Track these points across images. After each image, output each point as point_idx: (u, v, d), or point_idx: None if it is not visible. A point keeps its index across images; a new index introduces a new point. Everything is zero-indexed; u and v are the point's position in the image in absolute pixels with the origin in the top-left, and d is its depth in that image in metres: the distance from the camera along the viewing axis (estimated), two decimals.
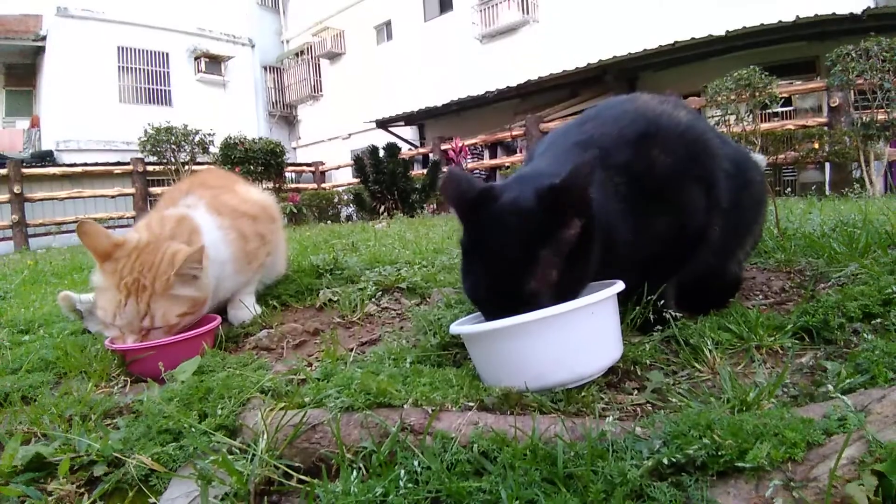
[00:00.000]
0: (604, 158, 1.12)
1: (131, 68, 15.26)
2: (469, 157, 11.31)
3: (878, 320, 0.98)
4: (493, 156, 12.08)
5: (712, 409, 0.73)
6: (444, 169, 10.74)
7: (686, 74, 9.36)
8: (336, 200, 12.74)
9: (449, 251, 2.95)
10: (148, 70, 15.58)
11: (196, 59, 16.41)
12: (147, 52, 15.47)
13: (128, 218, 10.38)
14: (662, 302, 1.18)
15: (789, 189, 6.81)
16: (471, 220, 0.99)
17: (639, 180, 1.10)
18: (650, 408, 0.84)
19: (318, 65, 17.69)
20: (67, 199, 10.16)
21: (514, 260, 0.92)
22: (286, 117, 18.73)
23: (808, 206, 3.83)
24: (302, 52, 17.99)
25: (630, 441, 0.68)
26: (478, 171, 11.74)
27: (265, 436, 0.78)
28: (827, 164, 6.98)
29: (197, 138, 9.54)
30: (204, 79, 16.46)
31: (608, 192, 1.08)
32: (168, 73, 15.89)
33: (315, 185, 13.58)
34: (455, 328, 0.97)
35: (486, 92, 11.37)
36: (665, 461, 0.63)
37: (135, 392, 1.27)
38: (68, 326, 1.84)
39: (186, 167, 9.92)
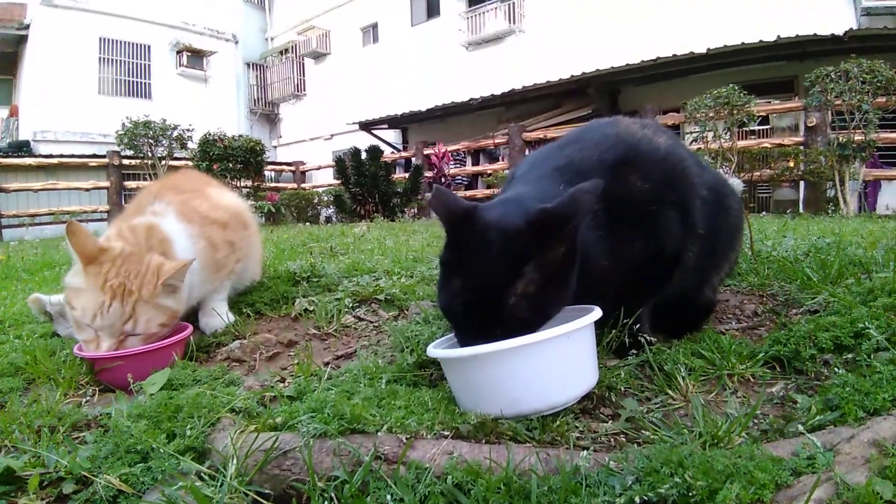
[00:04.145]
0: (582, 182, 1.13)
1: (112, 60, 15.05)
2: (452, 162, 11.34)
3: (850, 355, 0.99)
4: (476, 162, 12.11)
5: (684, 445, 0.74)
6: (427, 173, 10.76)
7: (666, 90, 9.51)
8: (316, 201, 12.66)
9: (429, 261, 2.94)
10: (129, 62, 15.36)
11: (178, 52, 16.17)
12: (129, 44, 15.26)
13: (101, 211, 10.16)
14: (638, 326, 1.19)
15: (764, 212, 6.95)
16: (457, 233, 0.99)
17: (616, 205, 1.11)
18: (624, 438, 0.84)
19: (303, 64, 17.57)
20: (42, 190, 9.92)
21: (497, 274, 0.92)
22: (268, 115, 18.55)
23: (782, 226, 3.91)
24: (286, 51, 17.86)
25: (603, 475, 0.68)
26: (460, 177, 11.77)
27: (235, 460, 0.77)
28: (801, 183, 7.14)
29: (175, 133, 9.37)
30: (185, 73, 16.24)
31: (586, 218, 1.08)
32: (149, 65, 15.67)
33: (295, 185, 13.47)
34: (432, 351, 0.97)
35: (471, 99, 11.41)
36: (637, 499, 0.63)
37: (103, 403, 1.24)
38: (38, 329, 1.79)
39: (163, 162, 9.75)
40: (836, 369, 0.96)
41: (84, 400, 1.25)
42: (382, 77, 15.18)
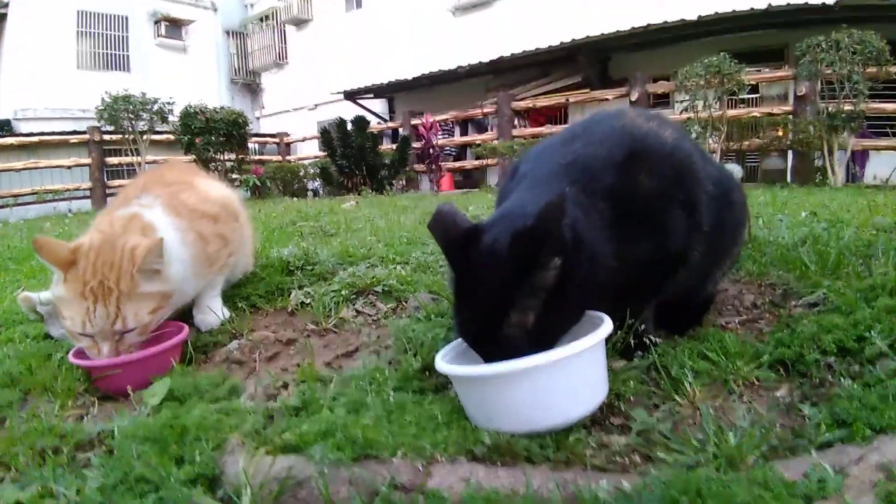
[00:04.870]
0: (590, 181, 1.11)
1: (90, 33, 14.57)
2: (440, 133, 11.20)
3: (855, 364, 1.00)
4: (465, 133, 12.00)
5: (700, 467, 0.74)
6: (415, 144, 10.62)
7: (657, 58, 9.40)
8: (301, 174, 12.50)
9: (422, 243, 2.93)
10: (107, 34, 14.88)
11: (156, 22, 15.66)
12: (106, 16, 14.75)
13: (84, 189, 9.96)
14: (643, 326, 1.19)
15: (761, 194, 6.95)
16: (455, 262, 0.99)
17: (623, 204, 1.09)
18: (638, 457, 0.84)
19: (284, 31, 17.05)
20: (24, 170, 9.69)
21: (491, 306, 0.93)
22: (249, 85, 18.08)
23: (773, 201, 3.93)
24: (267, 17, 17.30)
25: (621, 503, 0.68)
26: (448, 148, 11.65)
27: (248, 490, 0.76)
28: (790, 152, 7.16)
29: (156, 107, 9.14)
30: (164, 43, 15.74)
31: (593, 218, 1.07)
32: (127, 37, 15.19)
33: (280, 158, 13.24)
34: (442, 366, 0.96)
35: (458, 67, 11.20)
36: None
37: (104, 415, 1.22)
38: (30, 330, 1.76)
39: (145, 137, 9.54)
40: (840, 378, 0.97)
41: (84, 413, 1.23)
42: (367, 44, 14.81)
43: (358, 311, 1.83)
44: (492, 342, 0.93)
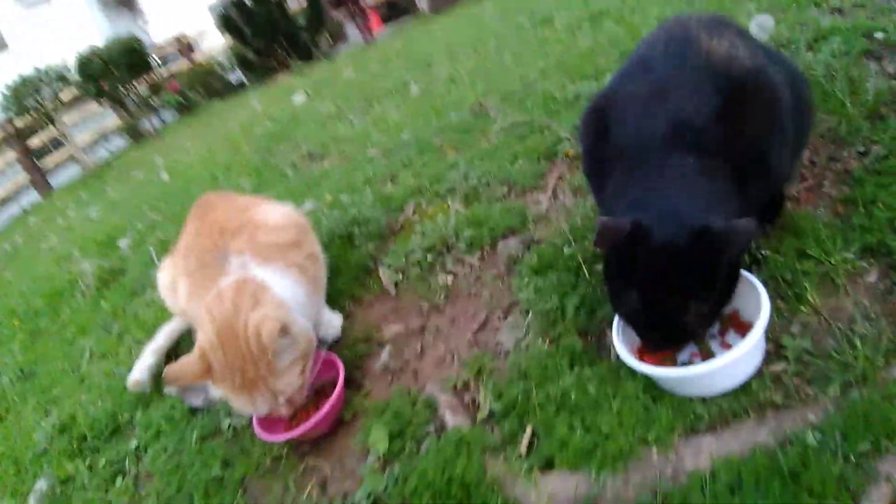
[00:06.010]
0: (704, 146, 1.14)
1: None
2: None
3: None
4: None
5: (853, 388, 1.03)
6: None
7: None
8: (220, 71, 11.52)
9: (435, 150, 2.88)
10: None
11: None
12: None
13: (23, 186, 9.25)
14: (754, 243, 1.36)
15: None
16: (624, 260, 1.09)
17: (735, 156, 1.15)
18: (806, 386, 1.09)
19: None
20: None
21: (673, 299, 1.07)
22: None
23: None
24: None
25: (818, 438, 0.97)
26: None
27: None
28: None
29: (54, 73, 8.27)
30: (22, 1, 13.48)
31: (725, 188, 1.14)
32: None
33: (189, 63, 12.02)
34: (646, 369, 1.13)
35: None
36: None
37: (341, 476, 1.40)
38: (172, 412, 1.87)
39: (54, 107, 8.75)
40: None
41: (321, 480, 1.43)
42: None
43: (451, 272, 1.94)
44: (673, 330, 1.11)
